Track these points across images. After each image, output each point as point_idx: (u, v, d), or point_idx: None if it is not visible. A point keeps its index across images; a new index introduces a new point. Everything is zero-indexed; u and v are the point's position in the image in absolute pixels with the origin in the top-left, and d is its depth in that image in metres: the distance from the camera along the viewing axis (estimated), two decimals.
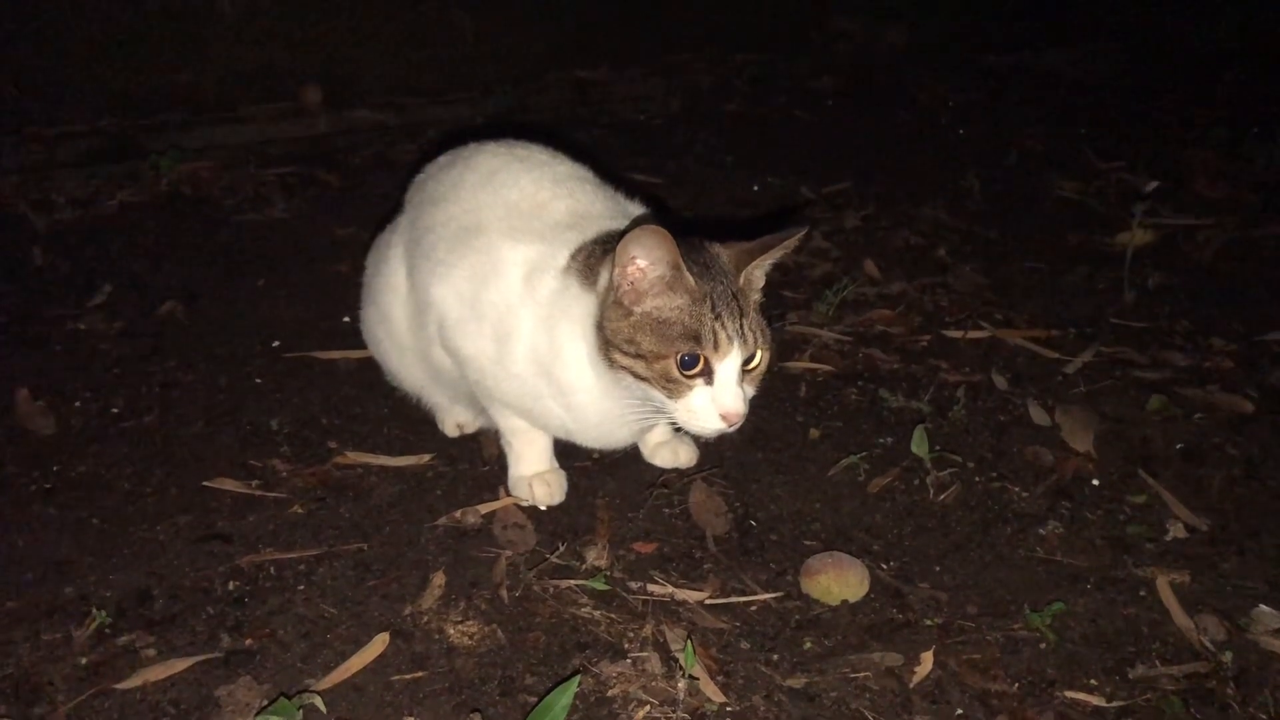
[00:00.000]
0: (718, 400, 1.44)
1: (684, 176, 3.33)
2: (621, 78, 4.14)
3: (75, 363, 2.14)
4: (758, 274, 1.52)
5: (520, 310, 1.57)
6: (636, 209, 1.74)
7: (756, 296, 1.52)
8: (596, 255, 1.54)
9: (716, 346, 1.43)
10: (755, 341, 1.46)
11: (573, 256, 1.55)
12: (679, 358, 1.43)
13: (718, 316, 1.43)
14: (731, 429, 1.46)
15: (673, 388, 1.44)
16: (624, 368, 1.46)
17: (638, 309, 1.45)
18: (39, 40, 3.20)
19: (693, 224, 2.80)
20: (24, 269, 2.53)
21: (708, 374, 1.44)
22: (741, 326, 1.44)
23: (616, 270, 1.44)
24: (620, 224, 1.60)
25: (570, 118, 3.83)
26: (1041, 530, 1.76)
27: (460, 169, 1.74)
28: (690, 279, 1.43)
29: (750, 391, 1.49)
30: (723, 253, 1.51)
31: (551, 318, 1.55)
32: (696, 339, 1.42)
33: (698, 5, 4.32)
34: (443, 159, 1.82)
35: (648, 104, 4.04)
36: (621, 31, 4.18)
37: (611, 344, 1.47)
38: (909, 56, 4.67)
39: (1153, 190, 3.04)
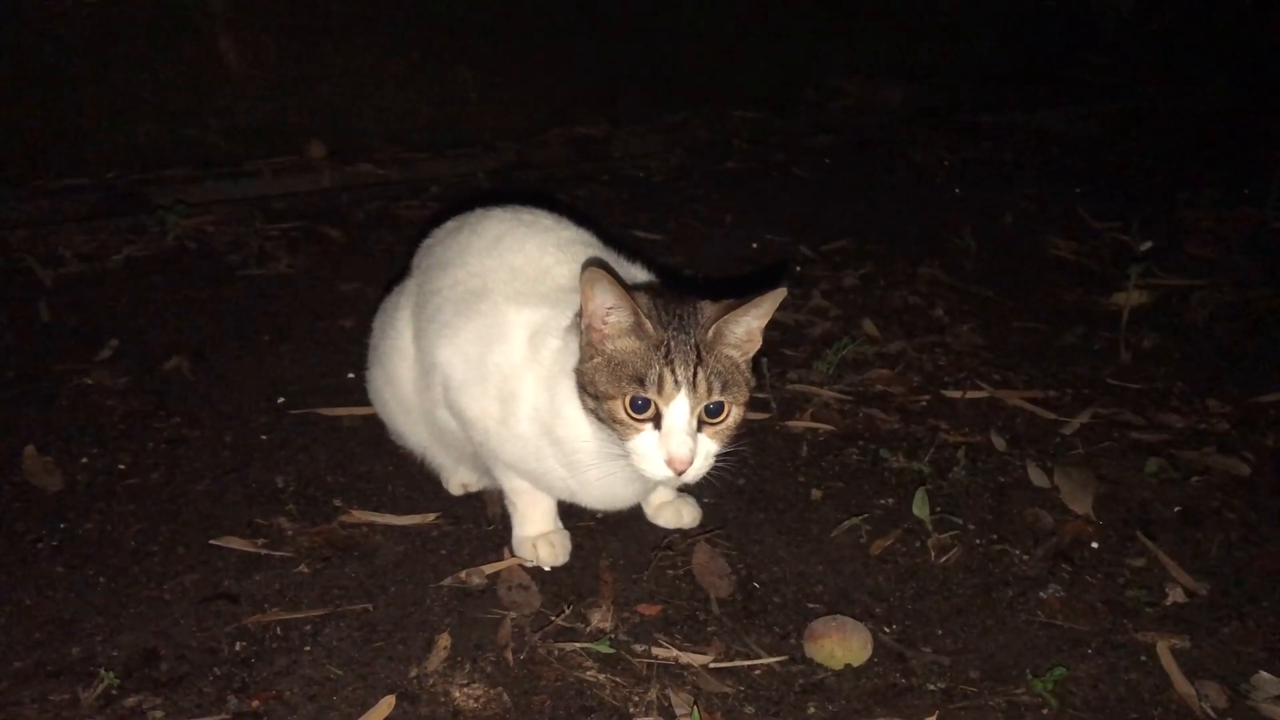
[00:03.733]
0: (663, 445, 1.46)
1: (683, 233, 3.37)
2: (621, 134, 4.20)
3: (82, 418, 2.16)
4: (733, 329, 1.51)
5: (524, 372, 1.60)
6: (639, 272, 1.77)
7: (734, 353, 1.52)
8: None
9: (661, 390, 1.46)
10: (708, 391, 1.47)
11: (576, 316, 1.58)
12: (627, 399, 1.46)
13: (669, 362, 1.46)
14: (682, 477, 1.48)
15: (621, 429, 1.48)
16: (590, 410, 1.51)
17: (602, 351, 1.49)
18: (46, 94, 3.25)
19: (693, 282, 2.85)
20: (31, 323, 2.55)
21: (657, 419, 1.47)
22: (695, 375, 1.46)
23: (585, 311, 1.49)
24: None
25: (571, 174, 3.88)
26: (1042, 594, 1.77)
27: (467, 234, 1.77)
28: (645, 323, 1.47)
29: (713, 445, 1.50)
30: (705, 309, 1.52)
31: (553, 377, 1.58)
32: (641, 381, 1.46)
33: (696, 63, 4.40)
34: (450, 224, 1.86)
35: (647, 160, 4.09)
36: (622, 89, 4.25)
37: (581, 386, 1.51)
38: (905, 116, 4.74)
39: (1147, 250, 3.10)
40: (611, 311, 1.47)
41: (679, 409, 1.46)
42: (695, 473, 1.48)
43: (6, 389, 2.25)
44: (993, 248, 3.33)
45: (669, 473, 1.47)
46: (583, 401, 1.52)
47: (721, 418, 1.49)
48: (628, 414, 1.47)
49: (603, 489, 1.65)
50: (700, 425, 1.48)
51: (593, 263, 1.55)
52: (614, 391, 1.47)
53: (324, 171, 3.63)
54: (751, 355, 1.55)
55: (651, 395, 1.45)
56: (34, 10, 3.18)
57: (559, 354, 1.58)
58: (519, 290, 1.64)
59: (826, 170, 4.14)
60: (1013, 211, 3.66)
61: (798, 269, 3.09)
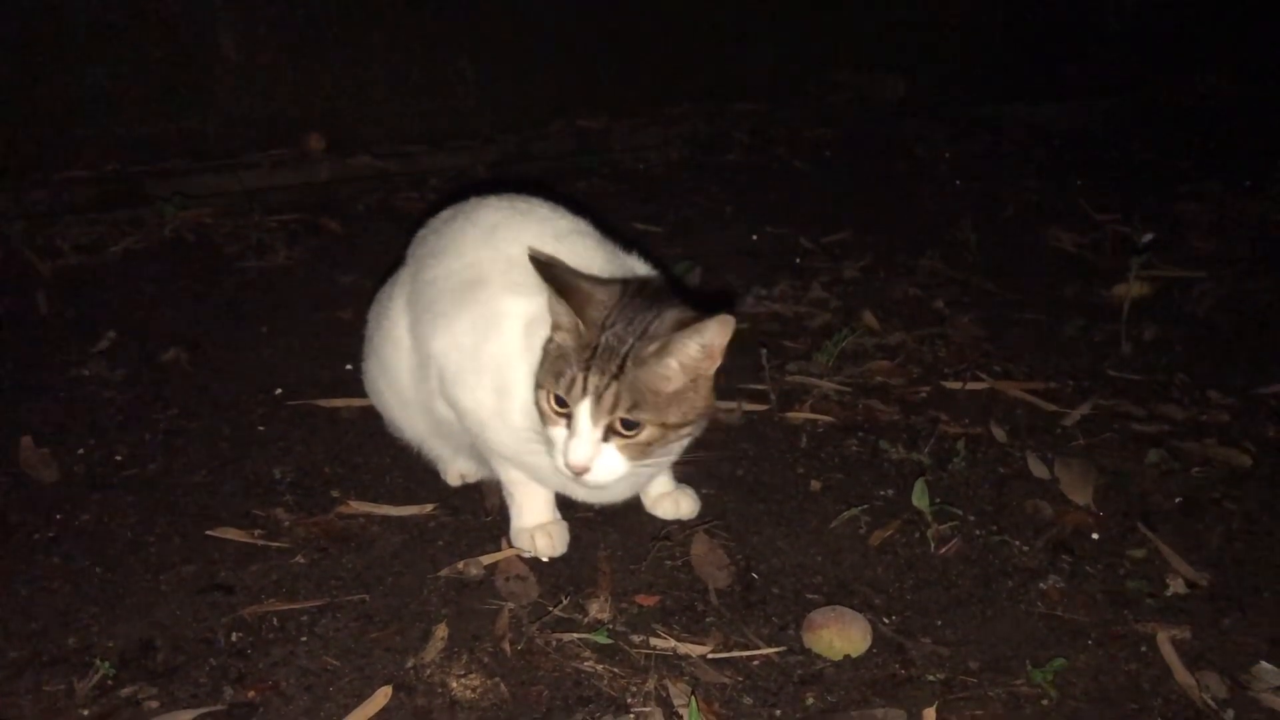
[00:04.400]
0: (568, 444, 1.48)
1: (684, 226, 3.36)
2: (622, 127, 4.18)
3: (79, 410, 2.15)
4: (679, 350, 1.46)
5: (518, 363, 1.59)
6: (636, 263, 1.76)
7: (676, 372, 1.48)
8: None
9: (570, 392, 1.46)
10: (613, 407, 1.45)
11: None
12: (552, 393, 1.48)
13: (587, 368, 1.45)
14: (583, 479, 1.49)
15: (543, 417, 1.51)
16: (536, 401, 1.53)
17: (554, 339, 1.52)
18: (44, 86, 3.24)
19: (690, 275, 2.83)
20: (29, 315, 2.55)
21: (569, 418, 1.48)
22: (606, 387, 1.44)
23: None
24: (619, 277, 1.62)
25: (571, 167, 3.87)
26: (1042, 584, 1.76)
27: (462, 223, 1.76)
28: (580, 323, 1.48)
29: (620, 458, 1.48)
30: (665, 320, 1.49)
31: None
32: (558, 377, 1.47)
33: (697, 56, 4.38)
34: (445, 213, 1.84)
35: (648, 153, 4.08)
36: (622, 81, 4.23)
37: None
38: (906, 108, 4.73)
39: (1149, 243, 3.09)
40: (555, 306, 1.49)
41: (583, 415, 1.46)
42: (595, 479, 1.49)
43: (3, 380, 2.25)
44: (993, 240, 3.31)
45: (568, 470, 1.48)
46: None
47: (634, 434, 1.48)
48: (550, 405, 1.49)
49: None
50: (610, 436, 1.47)
51: (534, 255, 1.54)
52: (544, 381, 1.50)
53: (323, 164, 3.63)
54: (710, 373, 1.52)
55: (563, 394, 1.47)
56: (32, 5, 3.17)
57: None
58: (515, 280, 1.63)
59: (827, 163, 4.13)
60: (1014, 203, 3.65)
61: (797, 261, 3.09)
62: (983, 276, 3.04)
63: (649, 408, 1.46)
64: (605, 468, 1.48)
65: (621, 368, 1.45)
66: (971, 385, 2.40)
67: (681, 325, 1.46)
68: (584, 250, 1.69)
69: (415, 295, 1.75)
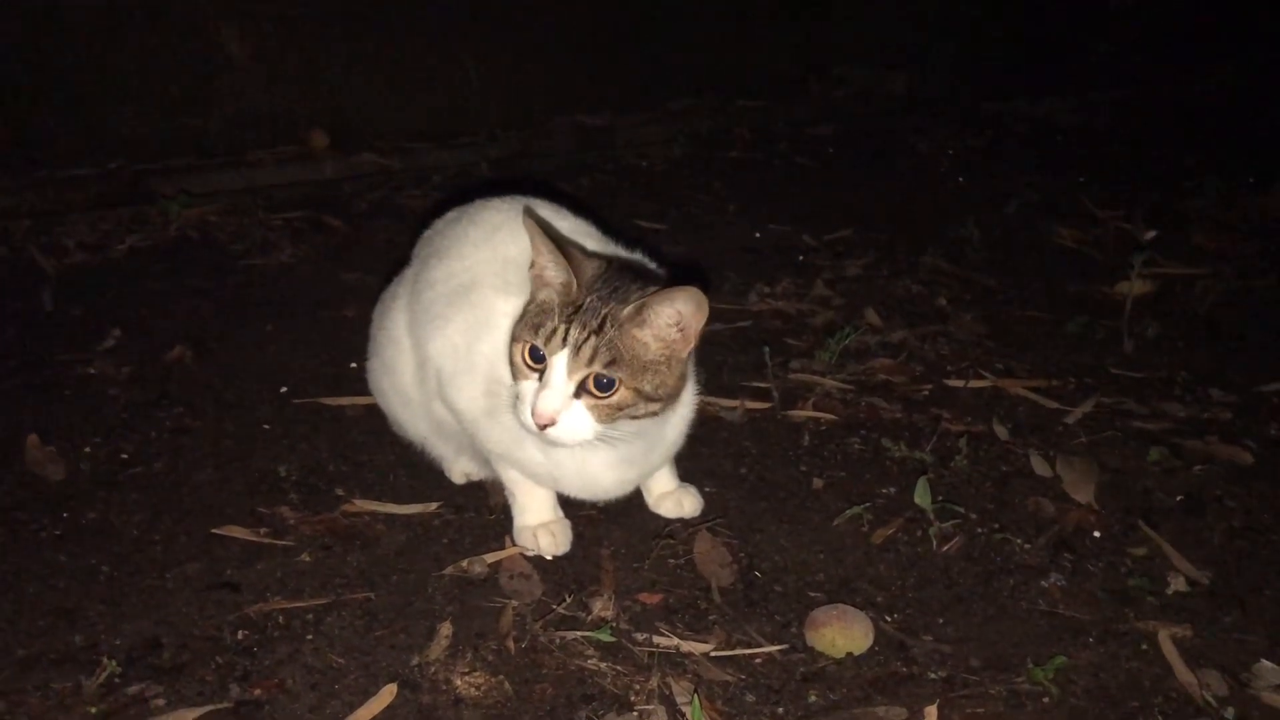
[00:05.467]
0: (537, 395, 1.47)
1: (686, 223, 3.36)
2: (624, 123, 4.19)
3: (85, 408, 2.16)
4: (653, 316, 1.48)
5: (507, 361, 1.59)
6: (643, 261, 1.76)
7: (652, 341, 1.50)
8: None
9: (549, 342, 1.47)
10: (591, 359, 1.46)
11: None
12: (527, 346, 1.49)
13: (568, 321, 1.47)
14: (547, 433, 1.48)
15: (515, 371, 1.52)
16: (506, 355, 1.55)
17: (534, 298, 1.54)
18: (49, 84, 3.24)
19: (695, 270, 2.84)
20: (34, 313, 2.56)
21: (544, 375, 1.48)
22: (585, 340, 1.46)
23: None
24: None
25: (573, 163, 3.88)
26: (1044, 582, 1.77)
27: (464, 224, 1.79)
28: (569, 278, 1.49)
29: (588, 417, 1.48)
30: (649, 288, 1.51)
31: None
32: (537, 329, 1.48)
33: (698, 53, 4.38)
34: (450, 214, 1.87)
35: (650, 150, 4.08)
36: (624, 78, 4.24)
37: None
38: (908, 105, 4.73)
39: (1151, 239, 3.09)
40: (544, 261, 1.51)
41: (558, 366, 1.47)
42: (559, 435, 1.48)
43: (9, 378, 2.25)
44: (996, 237, 3.32)
45: (532, 423, 1.48)
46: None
47: (608, 395, 1.48)
48: (524, 358, 1.50)
49: (579, 477, 1.67)
50: (582, 393, 1.47)
51: (527, 213, 1.57)
52: (521, 335, 1.51)
53: (326, 161, 3.63)
54: (683, 353, 1.53)
55: (541, 345, 1.47)
56: (37, 4, 3.17)
57: None
58: (508, 280, 1.65)
59: (830, 159, 4.13)
60: (1016, 200, 3.65)
61: (800, 258, 3.09)
62: (985, 274, 3.04)
63: (625, 368, 1.48)
64: (572, 424, 1.48)
65: (601, 326, 1.47)
66: (974, 383, 2.41)
67: (656, 293, 1.48)
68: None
69: (415, 296, 1.77)
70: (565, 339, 1.46)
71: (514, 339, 1.52)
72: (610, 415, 1.49)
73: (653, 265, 1.73)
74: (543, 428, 1.47)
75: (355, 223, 3.25)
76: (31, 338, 2.44)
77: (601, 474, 1.66)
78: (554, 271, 1.51)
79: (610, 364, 1.46)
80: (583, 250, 1.58)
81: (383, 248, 2.99)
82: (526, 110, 4.06)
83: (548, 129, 4.09)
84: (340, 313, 2.62)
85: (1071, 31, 5.21)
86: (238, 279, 2.82)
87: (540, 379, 1.48)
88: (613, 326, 1.47)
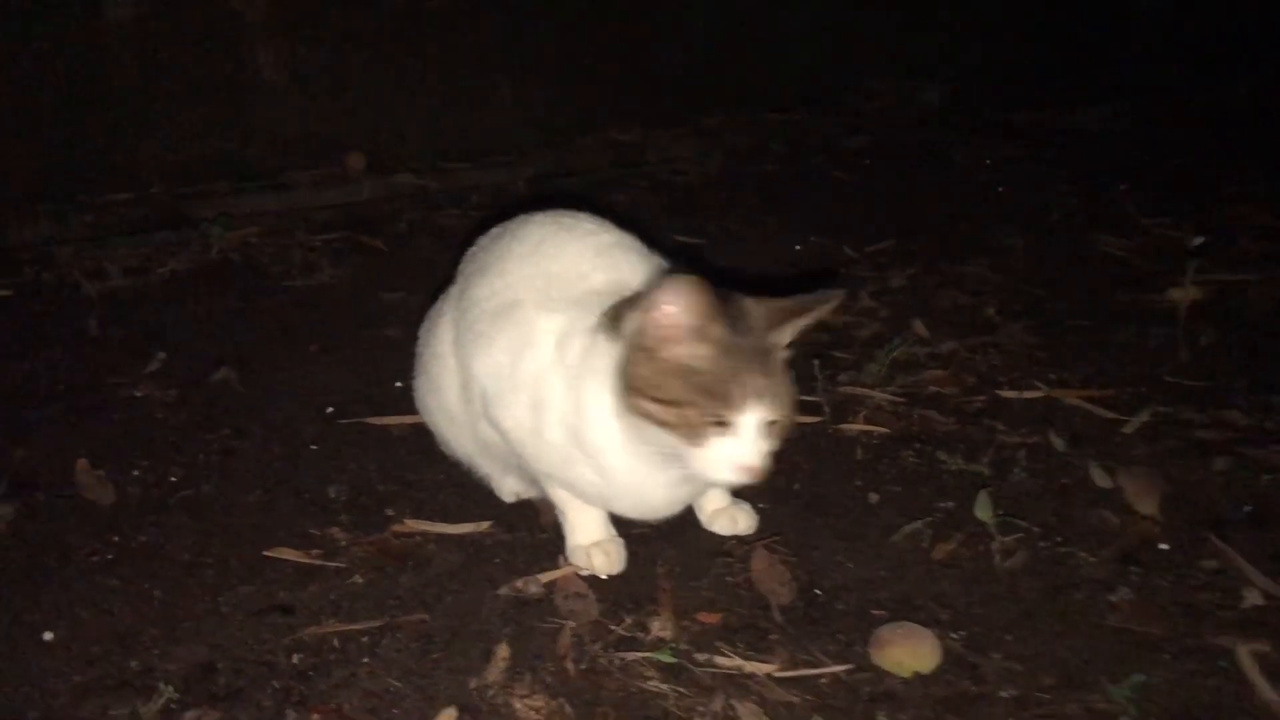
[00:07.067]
0: (737, 454, 1.45)
1: (725, 237, 3.34)
2: (657, 139, 4.17)
3: (133, 431, 2.16)
4: (791, 332, 1.53)
5: (551, 377, 1.58)
6: None
7: (784, 354, 1.54)
8: (625, 307, 1.56)
9: (741, 401, 1.44)
10: (779, 404, 1.46)
11: (604, 314, 1.57)
12: (699, 408, 1.44)
13: (741, 372, 1.44)
14: (749, 482, 1.49)
15: (693, 435, 1.45)
16: (645, 413, 1.48)
17: (665, 354, 1.47)
18: (89, 111, 3.27)
19: (731, 279, 2.81)
20: (80, 337, 2.56)
21: (729, 425, 1.45)
22: (764, 385, 1.45)
23: (647, 315, 1.47)
24: None
25: (608, 179, 3.86)
26: (1112, 597, 1.72)
27: (508, 240, 1.78)
28: (721, 331, 1.46)
29: (772, 445, 1.49)
30: (754, 309, 1.52)
31: (579, 377, 1.57)
32: (720, 395, 1.44)
33: (730, 68, 4.36)
34: (494, 230, 1.85)
35: (684, 165, 4.06)
36: (656, 94, 4.22)
37: (634, 388, 1.48)
38: (942, 116, 4.69)
39: (1199, 245, 3.03)
40: (684, 315, 1.45)
41: (752, 419, 1.45)
42: (763, 475, 1.48)
43: (58, 401, 2.26)
44: (1040, 246, 3.27)
45: (737, 479, 1.47)
46: (633, 404, 1.48)
47: (779, 420, 1.49)
48: (704, 420, 1.45)
49: (633, 497, 1.64)
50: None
51: (683, 271, 1.51)
52: (690, 398, 1.44)
53: (364, 182, 3.64)
54: None
55: (731, 406, 1.44)
56: (77, 29, 3.21)
57: (585, 353, 1.57)
58: (551, 296, 1.64)
59: (866, 171, 4.09)
60: (1058, 209, 3.60)
61: (842, 270, 3.05)
62: (1032, 283, 2.99)
63: (789, 395, 1.50)
64: (769, 461, 1.49)
65: (766, 363, 1.47)
66: (1027, 394, 2.36)
67: (789, 312, 1.52)
68: (627, 264, 1.69)
69: (460, 314, 1.76)
70: (751, 392, 1.44)
71: (673, 404, 1.45)
72: (781, 436, 1.50)
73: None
74: (753, 479, 1.48)
75: (394, 243, 3.24)
76: (78, 362, 2.44)
77: (655, 493, 1.63)
78: (702, 325, 1.46)
79: (787, 393, 1.49)
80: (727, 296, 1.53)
81: (423, 267, 2.98)
82: (560, 128, 4.05)
83: (581, 146, 4.08)
84: (382, 332, 2.61)
85: (1102, 40, 5.17)
86: (279, 300, 2.82)
87: (726, 433, 1.45)
88: (771, 359, 1.48)
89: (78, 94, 3.25)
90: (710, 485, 1.69)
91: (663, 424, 1.47)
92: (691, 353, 1.46)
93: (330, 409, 2.26)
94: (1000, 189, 3.93)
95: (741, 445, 1.45)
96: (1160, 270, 3.06)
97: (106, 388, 2.32)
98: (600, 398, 1.53)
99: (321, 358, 2.50)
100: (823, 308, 1.51)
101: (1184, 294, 2.71)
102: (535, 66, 3.96)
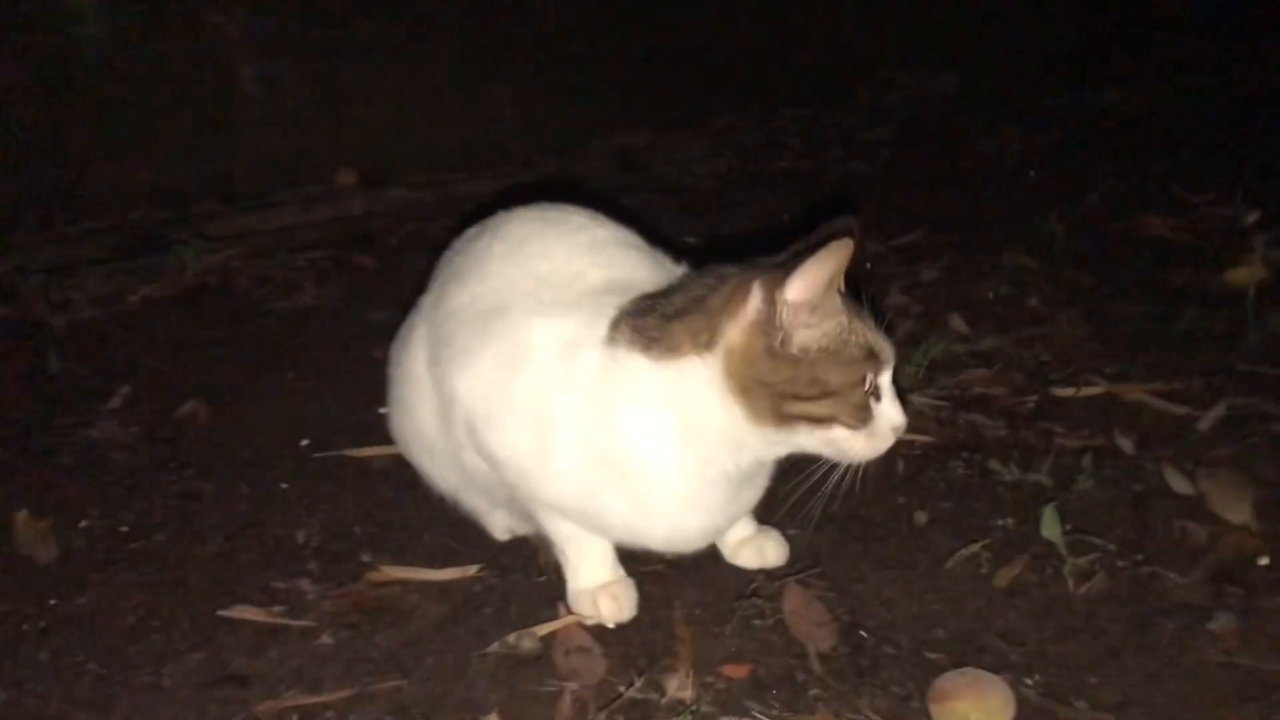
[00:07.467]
0: (894, 414, 1.34)
1: (737, 237, 3.10)
2: (665, 142, 3.98)
3: (84, 476, 1.94)
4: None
5: (558, 395, 1.35)
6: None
7: None
8: (655, 320, 1.34)
9: (887, 353, 1.34)
10: (891, 344, 1.36)
11: (614, 327, 1.35)
12: (866, 379, 1.31)
13: (867, 324, 1.33)
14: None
15: (863, 415, 1.32)
16: (801, 416, 1.29)
17: (810, 348, 1.29)
18: (64, 137, 3.09)
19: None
20: (38, 375, 2.35)
21: (875, 390, 1.33)
22: (876, 329, 1.35)
23: (759, 318, 1.29)
24: None
25: (615, 185, 3.64)
26: (1211, 625, 1.46)
27: (488, 239, 1.54)
28: (835, 294, 1.31)
29: None
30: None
31: (607, 397, 1.34)
32: (874, 355, 1.32)
33: (739, 65, 4.17)
34: (471, 230, 1.62)
35: (694, 166, 3.86)
36: (662, 96, 4.03)
37: (786, 396, 1.29)
38: (963, 103, 4.48)
39: (1256, 222, 2.79)
40: (812, 294, 1.28)
41: (889, 370, 1.35)
42: None
43: (3, 447, 2.04)
44: (1082, 230, 3.01)
45: (891, 443, 1.36)
46: (784, 414, 1.30)
47: None
48: (867, 396, 1.31)
49: (672, 526, 1.41)
50: None
51: (761, 263, 1.36)
52: (854, 376, 1.30)
53: (355, 198, 3.45)
54: None
55: (877, 367, 1.32)
56: (50, 52, 3.02)
57: (607, 371, 1.35)
58: (543, 300, 1.41)
59: (887, 163, 3.85)
60: (1097, 191, 3.34)
61: (868, 266, 2.81)
62: (1076, 270, 2.74)
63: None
64: None
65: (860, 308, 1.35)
66: (1085, 390, 2.11)
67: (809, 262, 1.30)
68: (626, 262, 1.48)
69: (435, 328, 1.52)
70: (884, 339, 1.35)
71: (847, 388, 1.30)
72: None
73: None
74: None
75: (385, 259, 3.03)
76: (33, 402, 2.23)
77: (700, 518, 1.42)
78: (823, 297, 1.29)
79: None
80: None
81: (413, 284, 2.72)
82: (563, 135, 3.86)
83: (585, 153, 3.89)
84: (368, 354, 2.38)
85: (1123, 19, 4.96)
86: (258, 325, 2.60)
87: (877, 399, 1.33)
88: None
89: (51, 118, 3.06)
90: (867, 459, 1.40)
91: (821, 421, 1.30)
92: (827, 330, 1.30)
93: (306, 442, 2.03)
94: (1032, 174, 3.68)
95: (894, 401, 1.35)
96: (1216, 249, 2.81)
97: (60, 429, 2.10)
98: (650, 422, 1.34)
99: (300, 385, 2.28)
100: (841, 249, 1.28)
101: (1251, 273, 2.45)
102: (535, 73, 3.77)
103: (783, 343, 1.28)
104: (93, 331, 2.58)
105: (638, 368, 1.33)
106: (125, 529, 1.77)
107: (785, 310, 1.27)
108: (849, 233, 1.31)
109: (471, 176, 3.62)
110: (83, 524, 1.79)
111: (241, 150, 3.38)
